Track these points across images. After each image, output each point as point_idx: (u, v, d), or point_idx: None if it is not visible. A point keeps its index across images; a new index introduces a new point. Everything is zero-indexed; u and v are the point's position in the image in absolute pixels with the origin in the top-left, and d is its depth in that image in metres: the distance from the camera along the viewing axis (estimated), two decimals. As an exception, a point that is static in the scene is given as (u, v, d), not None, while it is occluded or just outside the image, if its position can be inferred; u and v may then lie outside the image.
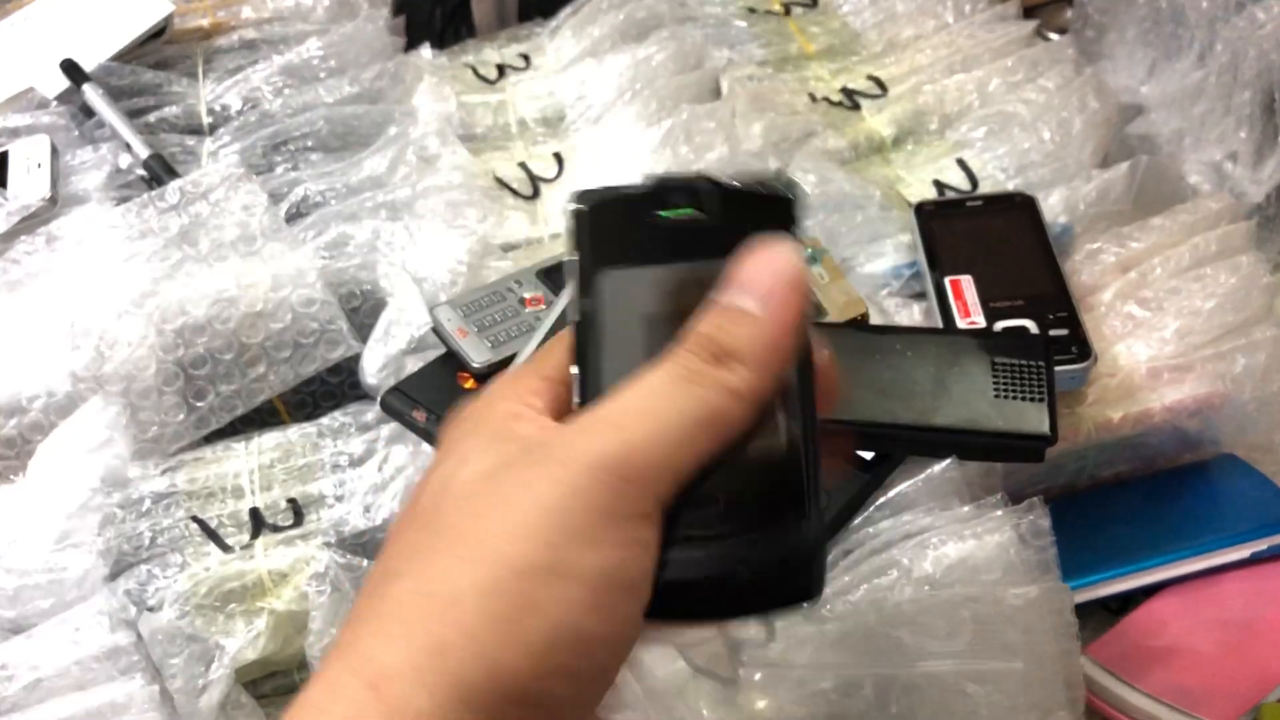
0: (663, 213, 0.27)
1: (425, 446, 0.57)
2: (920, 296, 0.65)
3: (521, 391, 0.28)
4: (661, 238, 0.27)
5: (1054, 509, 0.52)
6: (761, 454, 0.27)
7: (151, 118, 0.77)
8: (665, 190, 0.27)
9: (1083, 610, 0.51)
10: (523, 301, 0.62)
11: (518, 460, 0.26)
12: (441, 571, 0.25)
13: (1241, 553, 0.56)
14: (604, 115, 0.79)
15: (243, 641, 0.52)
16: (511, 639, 0.24)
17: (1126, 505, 0.60)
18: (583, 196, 0.27)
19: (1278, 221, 0.74)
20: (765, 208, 0.27)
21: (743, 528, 0.27)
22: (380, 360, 0.61)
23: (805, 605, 0.27)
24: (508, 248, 0.71)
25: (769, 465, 0.27)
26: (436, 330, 0.60)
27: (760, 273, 0.26)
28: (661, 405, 0.25)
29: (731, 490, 0.27)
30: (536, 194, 0.75)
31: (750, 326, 0.25)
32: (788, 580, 0.27)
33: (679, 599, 0.26)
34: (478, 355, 0.58)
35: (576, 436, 0.25)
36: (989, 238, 0.65)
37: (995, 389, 0.54)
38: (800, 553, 0.27)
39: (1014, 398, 0.54)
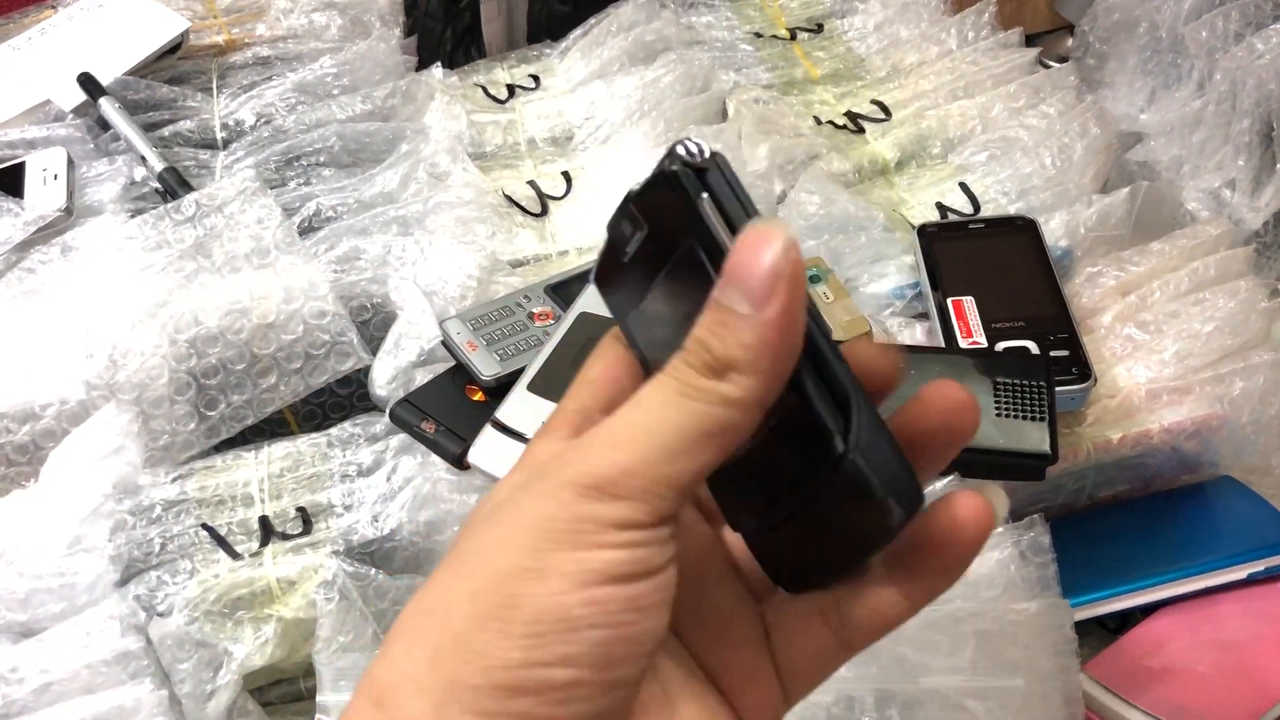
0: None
1: (433, 457, 0.57)
2: (923, 317, 0.66)
3: (553, 425, 0.30)
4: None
5: (1053, 528, 0.53)
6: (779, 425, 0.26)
7: (166, 131, 0.78)
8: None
9: (1082, 628, 0.52)
10: (531, 316, 0.62)
11: (522, 484, 0.27)
12: (438, 591, 0.26)
13: (1239, 574, 0.56)
14: (612, 135, 0.80)
15: (251, 648, 0.52)
16: (497, 632, 0.25)
17: (1125, 525, 0.60)
18: (673, 158, 0.26)
19: (1275, 248, 0.75)
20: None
21: (797, 491, 0.26)
22: (390, 372, 0.62)
23: (906, 515, 0.25)
24: (516, 264, 0.71)
25: (789, 427, 0.26)
26: (446, 343, 0.61)
27: (752, 266, 0.24)
28: (657, 423, 0.25)
29: (771, 468, 0.27)
30: (545, 211, 0.76)
31: (745, 331, 0.24)
32: (862, 509, 0.25)
33: (799, 577, 0.28)
34: (486, 368, 0.59)
35: (572, 455, 0.26)
36: (991, 260, 0.66)
37: (997, 408, 0.55)
38: (849, 478, 0.25)
39: (1015, 417, 0.55)
